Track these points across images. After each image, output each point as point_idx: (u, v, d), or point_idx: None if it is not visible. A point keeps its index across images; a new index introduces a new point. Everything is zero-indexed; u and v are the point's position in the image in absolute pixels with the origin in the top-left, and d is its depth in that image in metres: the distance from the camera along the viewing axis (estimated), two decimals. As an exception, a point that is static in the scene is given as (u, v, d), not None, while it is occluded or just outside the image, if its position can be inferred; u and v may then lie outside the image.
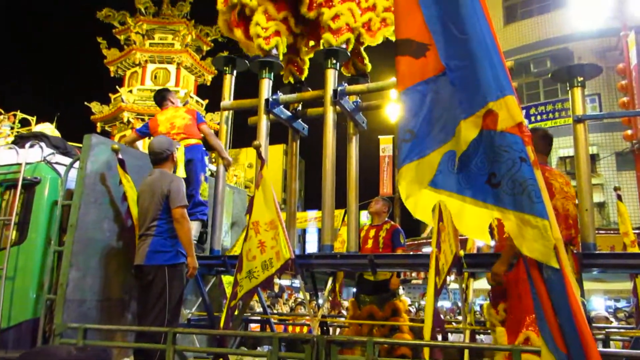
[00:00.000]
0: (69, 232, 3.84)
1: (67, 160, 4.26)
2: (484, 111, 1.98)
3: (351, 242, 4.61)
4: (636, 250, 4.90)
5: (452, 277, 4.49)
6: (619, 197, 5.46)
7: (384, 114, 15.73)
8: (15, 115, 9.25)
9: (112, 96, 22.49)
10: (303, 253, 20.65)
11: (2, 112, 9.09)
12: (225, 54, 5.33)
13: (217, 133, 5.07)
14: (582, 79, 3.91)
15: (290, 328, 7.47)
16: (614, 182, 13.74)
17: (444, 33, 2.20)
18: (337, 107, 4.42)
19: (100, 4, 23.87)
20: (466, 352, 3.84)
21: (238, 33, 4.85)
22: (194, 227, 4.47)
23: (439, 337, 2.83)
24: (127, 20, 23.23)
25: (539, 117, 15.85)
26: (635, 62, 12.54)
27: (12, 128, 8.70)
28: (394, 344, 4.76)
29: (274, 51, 4.69)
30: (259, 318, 6.09)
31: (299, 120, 5.11)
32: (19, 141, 4.47)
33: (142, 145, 6.92)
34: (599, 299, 15.06)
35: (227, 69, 5.04)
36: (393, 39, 4.79)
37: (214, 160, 5.81)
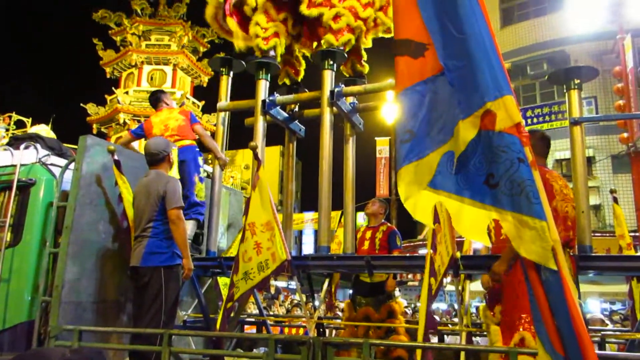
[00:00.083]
0: (64, 234, 3.81)
1: (62, 162, 4.23)
2: (482, 111, 1.98)
3: (348, 243, 4.60)
4: (632, 253, 4.91)
5: (449, 278, 4.48)
6: (615, 200, 5.48)
7: (380, 115, 15.80)
8: (10, 117, 9.24)
9: (108, 97, 22.38)
10: (299, 254, 20.56)
11: (-2, 113, 9.09)
12: (222, 55, 5.31)
13: (213, 134, 5.05)
14: (578, 81, 3.90)
15: (286, 330, 7.46)
16: (609, 185, 13.79)
17: (442, 33, 2.20)
18: (334, 108, 4.41)
19: (98, 4, 23.82)
20: (462, 354, 3.83)
21: (231, 22, 4.81)
22: (189, 226, 4.45)
23: (435, 339, 2.82)
24: (124, 21, 23.14)
25: (535, 120, 15.90)
26: (631, 66, 12.61)
27: (7, 130, 8.68)
28: (390, 346, 4.75)
29: (272, 52, 4.68)
30: (255, 320, 6.07)
31: (296, 121, 5.10)
32: (14, 142, 4.46)
33: (139, 146, 6.91)
34: (594, 301, 15.10)
35: (224, 70, 5.02)
36: (385, 36, 4.79)
37: (209, 161, 5.78)
